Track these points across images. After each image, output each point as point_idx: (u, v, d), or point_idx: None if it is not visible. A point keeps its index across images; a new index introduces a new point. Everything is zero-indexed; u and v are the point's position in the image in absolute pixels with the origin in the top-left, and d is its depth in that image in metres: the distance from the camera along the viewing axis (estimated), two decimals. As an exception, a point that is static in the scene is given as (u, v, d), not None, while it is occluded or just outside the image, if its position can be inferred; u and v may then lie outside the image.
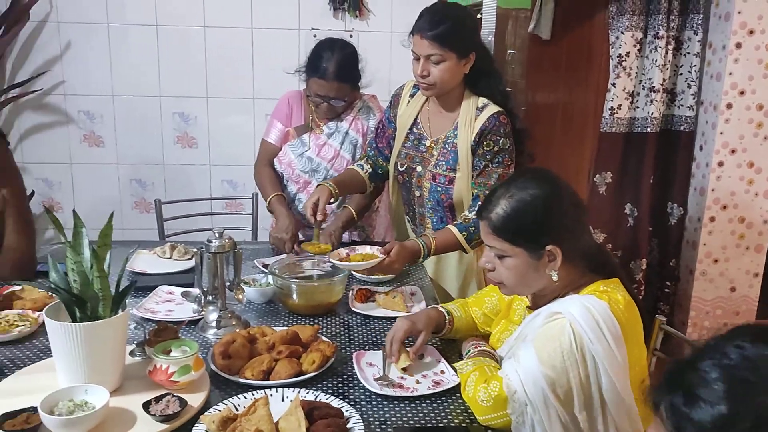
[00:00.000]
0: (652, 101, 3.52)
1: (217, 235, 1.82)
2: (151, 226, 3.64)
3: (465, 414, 1.48)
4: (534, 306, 1.60)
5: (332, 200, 2.22)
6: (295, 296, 1.96)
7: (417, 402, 1.51)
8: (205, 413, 1.40)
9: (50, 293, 1.97)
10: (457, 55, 2.08)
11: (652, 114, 3.53)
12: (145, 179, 3.65)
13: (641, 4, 3.29)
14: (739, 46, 3.07)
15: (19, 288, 2.00)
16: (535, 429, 1.40)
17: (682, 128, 3.53)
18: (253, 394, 1.49)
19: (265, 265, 2.29)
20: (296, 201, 2.64)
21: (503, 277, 1.54)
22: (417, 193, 2.29)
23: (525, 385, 1.39)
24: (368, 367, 1.65)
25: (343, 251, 2.11)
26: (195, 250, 2.44)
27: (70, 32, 3.40)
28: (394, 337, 1.62)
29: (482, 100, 2.18)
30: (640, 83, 3.50)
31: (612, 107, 3.54)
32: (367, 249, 2.12)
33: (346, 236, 2.62)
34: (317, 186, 2.26)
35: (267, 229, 3.07)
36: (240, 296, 1.88)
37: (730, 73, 3.16)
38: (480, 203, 1.56)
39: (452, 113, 2.21)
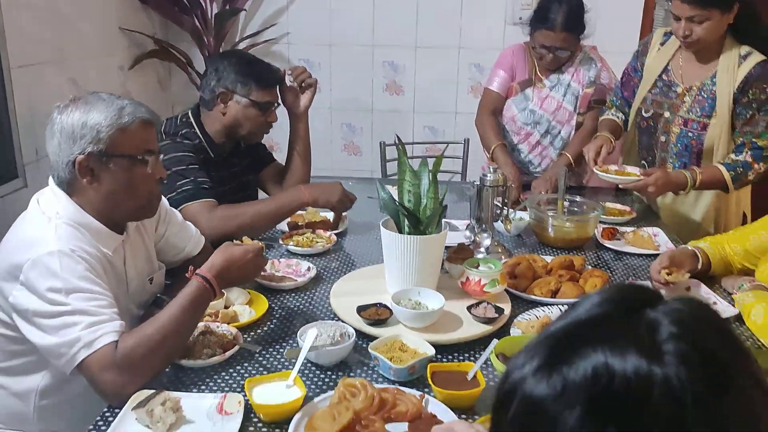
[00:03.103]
0: None
1: (491, 170, 2.01)
2: (358, 168, 3.95)
3: (750, 341, 1.59)
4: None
5: (611, 151, 2.39)
6: (551, 230, 2.13)
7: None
8: (516, 320, 1.61)
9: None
10: (720, 10, 2.10)
11: None
12: (355, 123, 3.93)
13: None
14: None
15: (304, 211, 2.30)
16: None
17: None
18: (543, 310, 1.69)
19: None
20: (515, 151, 2.79)
21: None
22: (662, 139, 2.37)
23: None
24: (641, 295, 1.79)
25: (612, 167, 2.32)
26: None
27: (296, -15, 3.69)
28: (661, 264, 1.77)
29: (745, 48, 2.20)
30: None
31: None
32: (636, 170, 2.29)
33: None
34: (596, 136, 2.45)
35: (477, 171, 3.27)
36: (509, 226, 2.07)
37: None
38: None
39: (710, 61, 2.25)
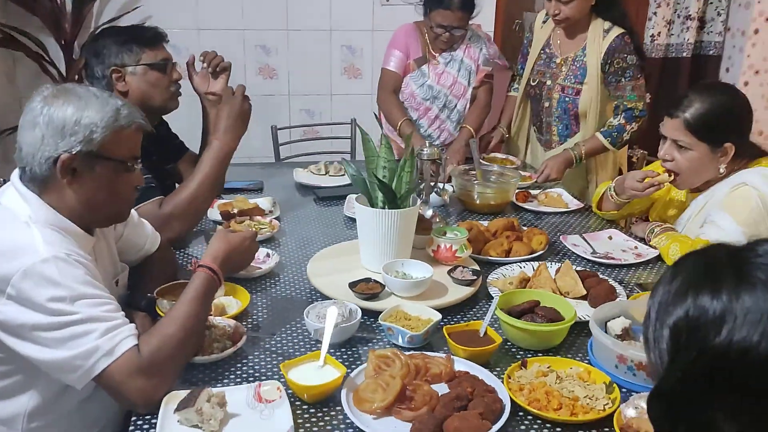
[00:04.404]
0: (687, 28, 3.96)
1: (427, 144, 2.11)
2: (239, 153, 3.84)
3: (675, 274, 1.86)
4: (695, 191, 1.98)
5: (503, 140, 2.90)
6: (476, 197, 2.29)
7: (630, 269, 1.89)
8: (488, 279, 1.74)
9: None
10: None
11: (687, 40, 3.98)
12: (229, 110, 3.81)
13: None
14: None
15: (227, 201, 2.24)
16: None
17: (711, 52, 4.03)
18: (507, 268, 1.83)
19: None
20: (417, 126, 2.92)
21: (681, 167, 1.91)
22: (546, 104, 2.69)
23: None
24: (574, 247, 2.00)
25: (499, 156, 2.74)
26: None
27: (156, -34, 3.49)
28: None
29: (607, 23, 2.55)
30: (675, 12, 3.93)
31: (653, 34, 3.96)
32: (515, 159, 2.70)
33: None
34: (495, 130, 2.91)
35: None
36: (446, 196, 2.19)
37: (759, 1, 3.66)
38: (670, 104, 1.90)
39: (580, 35, 2.59)
